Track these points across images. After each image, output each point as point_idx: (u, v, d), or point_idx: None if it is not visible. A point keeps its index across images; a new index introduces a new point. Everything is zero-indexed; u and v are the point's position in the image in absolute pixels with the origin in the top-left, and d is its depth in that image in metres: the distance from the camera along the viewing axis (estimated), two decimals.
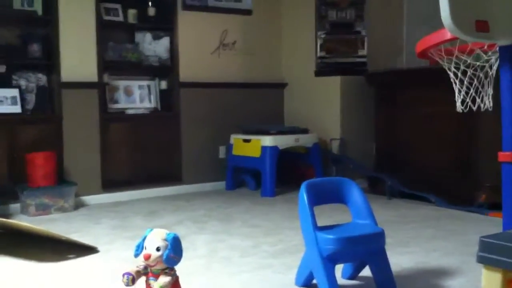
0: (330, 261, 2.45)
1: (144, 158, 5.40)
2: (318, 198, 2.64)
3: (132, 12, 5.39)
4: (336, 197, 2.73)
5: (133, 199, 5.22)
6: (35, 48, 4.94)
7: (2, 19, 4.82)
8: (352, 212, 2.70)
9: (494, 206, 4.21)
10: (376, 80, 5.53)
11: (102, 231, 3.98)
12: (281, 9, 6.25)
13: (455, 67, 2.84)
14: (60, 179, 4.82)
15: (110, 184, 5.18)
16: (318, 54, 5.81)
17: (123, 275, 2.26)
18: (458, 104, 2.84)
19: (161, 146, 5.51)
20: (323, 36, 5.78)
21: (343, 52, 5.76)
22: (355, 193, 2.70)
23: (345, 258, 2.56)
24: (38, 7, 4.94)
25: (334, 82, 5.72)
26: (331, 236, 2.42)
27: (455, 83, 2.87)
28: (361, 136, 5.72)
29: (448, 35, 2.60)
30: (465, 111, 2.87)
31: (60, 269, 3.08)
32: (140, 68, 5.50)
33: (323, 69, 5.81)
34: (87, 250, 3.39)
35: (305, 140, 5.47)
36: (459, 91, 2.89)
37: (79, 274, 2.99)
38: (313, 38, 5.84)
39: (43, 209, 4.57)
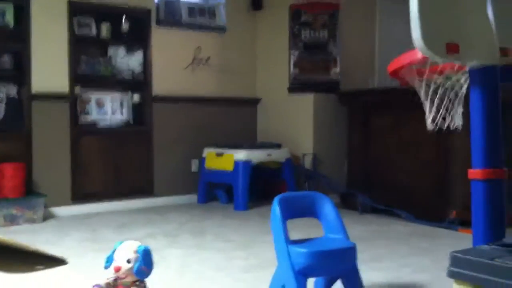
0: (302, 275, 2.46)
1: (116, 170, 5.36)
2: (291, 212, 2.66)
3: (105, 27, 5.38)
4: (309, 211, 2.75)
5: (103, 212, 5.17)
6: (5, 59, 4.90)
7: None
8: (324, 227, 2.72)
9: (465, 223, 4.29)
10: (348, 99, 5.61)
11: (72, 243, 3.93)
12: (255, 27, 6.32)
13: (426, 87, 2.90)
14: (29, 190, 4.76)
15: (80, 196, 5.13)
16: (292, 72, 5.87)
17: (93, 287, 2.25)
18: (429, 122, 2.89)
19: (133, 159, 5.48)
20: (296, 54, 5.85)
21: (316, 70, 5.83)
22: (328, 207, 2.73)
23: (317, 272, 2.58)
24: (10, 19, 4.90)
25: (307, 99, 5.78)
26: (303, 250, 2.44)
27: (426, 102, 2.93)
28: (334, 152, 5.79)
29: (419, 56, 2.66)
30: (435, 129, 2.92)
31: (28, 281, 3.03)
32: (113, 82, 5.48)
33: (296, 86, 5.88)
34: (55, 261, 3.34)
35: (278, 155, 5.50)
36: (430, 110, 2.95)
37: (48, 285, 2.94)
38: (287, 56, 5.91)
39: (11, 220, 4.50)
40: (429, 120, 2.88)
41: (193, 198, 5.73)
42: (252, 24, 6.31)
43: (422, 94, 2.92)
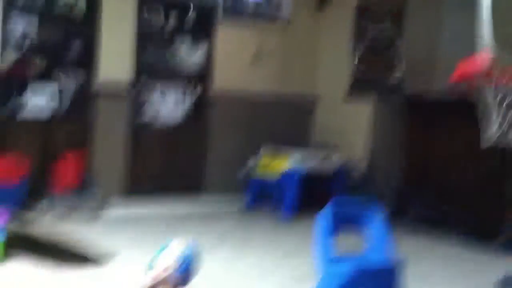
0: None
1: (172, 165, 5.37)
2: (337, 226, 2.58)
3: (173, 18, 5.40)
4: (357, 226, 2.67)
5: (157, 208, 5.10)
6: (76, 46, 5.01)
7: (46, 16, 4.87)
8: (370, 243, 2.63)
9: None
10: (411, 103, 5.41)
11: (119, 242, 3.91)
12: (319, 23, 6.16)
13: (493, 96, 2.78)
14: (87, 183, 4.78)
15: (135, 189, 5.17)
16: (354, 71, 5.71)
17: None
18: (491, 133, 2.77)
19: (189, 153, 5.48)
20: (360, 53, 5.70)
21: (379, 70, 5.64)
22: (377, 223, 2.64)
23: None
24: (82, 5, 4.97)
25: (367, 102, 5.61)
26: (343, 269, 2.37)
27: (491, 111, 2.80)
28: (390, 157, 5.56)
29: (486, 60, 2.55)
30: (497, 140, 2.80)
31: (77, 277, 3.09)
32: (176, 74, 5.50)
33: (357, 86, 5.71)
34: (103, 260, 3.40)
35: (331, 164, 5.34)
36: (493, 120, 2.83)
37: (96, 283, 3.01)
38: (350, 54, 5.74)
39: (67, 213, 4.55)
40: (492, 131, 2.75)
41: (242, 202, 5.47)
42: (316, 19, 6.16)
43: (488, 101, 2.80)
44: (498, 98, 2.71)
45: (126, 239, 4.07)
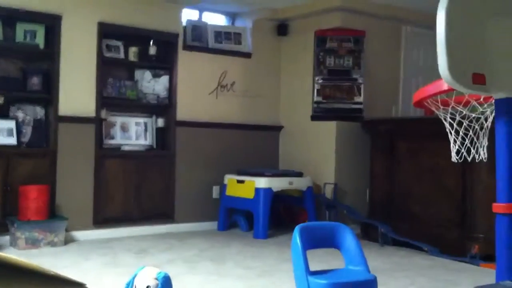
0: None
1: (138, 194, 5.38)
2: (311, 242, 2.63)
3: (133, 50, 5.46)
4: (330, 241, 2.72)
5: (124, 236, 5.17)
6: (34, 81, 4.97)
7: (4, 51, 4.88)
8: (345, 258, 2.68)
9: (487, 257, 4.20)
10: (372, 128, 5.57)
11: (92, 267, 3.93)
12: (281, 53, 6.34)
13: (451, 118, 2.87)
14: (52, 213, 4.78)
15: (101, 220, 5.15)
16: (315, 99, 5.87)
17: None
18: (453, 154, 2.86)
19: (156, 184, 5.49)
20: (320, 81, 5.86)
21: (340, 98, 5.82)
22: (349, 238, 2.70)
23: None
24: (40, 41, 4.99)
25: (330, 127, 5.76)
26: (323, 281, 2.41)
27: (451, 133, 2.90)
28: (355, 181, 5.73)
29: (445, 86, 2.64)
30: (459, 161, 2.89)
31: None
32: (138, 105, 5.54)
33: (319, 114, 5.86)
34: (75, 286, 3.34)
35: (299, 184, 5.47)
36: (455, 142, 2.92)
37: None
38: (310, 83, 5.91)
39: (33, 243, 4.53)
40: (454, 152, 2.85)
41: (213, 225, 5.70)
42: (277, 50, 6.34)
43: (447, 125, 2.90)
44: (455, 122, 2.82)
45: (98, 264, 4.05)
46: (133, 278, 2.27)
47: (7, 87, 4.83)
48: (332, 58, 5.87)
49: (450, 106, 2.80)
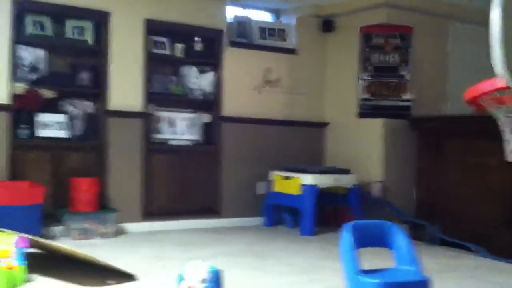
0: None
1: (184, 189, 5.45)
2: (361, 240, 2.61)
3: (179, 47, 5.52)
4: (380, 240, 2.70)
5: (171, 230, 5.24)
6: (84, 77, 5.09)
7: (55, 47, 5.01)
8: (396, 257, 2.65)
9: None
10: (420, 125, 5.49)
11: (141, 259, 4.00)
12: (326, 50, 6.31)
13: (506, 116, 2.81)
14: (102, 205, 4.90)
15: (149, 213, 5.24)
16: (362, 96, 5.82)
17: None
18: (508, 152, 2.80)
19: (201, 179, 5.56)
20: (366, 78, 5.80)
21: (387, 95, 5.76)
22: (400, 237, 2.67)
23: None
24: (88, 37, 5.10)
25: (377, 125, 5.71)
26: (374, 281, 2.39)
27: (506, 132, 2.83)
28: (403, 180, 5.66)
29: (500, 84, 2.58)
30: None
31: None
32: (184, 101, 5.60)
33: (366, 111, 5.81)
34: (126, 277, 3.41)
35: (345, 181, 5.43)
36: (510, 140, 2.85)
37: None
38: (356, 80, 5.86)
39: (85, 234, 4.65)
40: (508, 150, 2.78)
41: (259, 220, 5.72)
42: (322, 46, 6.30)
43: (501, 123, 2.83)
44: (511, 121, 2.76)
45: (147, 255, 4.13)
46: (184, 271, 2.31)
47: (58, 82, 4.96)
48: (378, 55, 5.81)
49: (505, 104, 2.74)
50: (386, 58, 5.79)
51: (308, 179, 5.23)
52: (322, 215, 5.53)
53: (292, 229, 5.48)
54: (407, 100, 5.70)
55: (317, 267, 3.95)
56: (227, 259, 4.10)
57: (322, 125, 6.28)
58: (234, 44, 5.76)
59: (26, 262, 3.22)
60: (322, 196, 5.29)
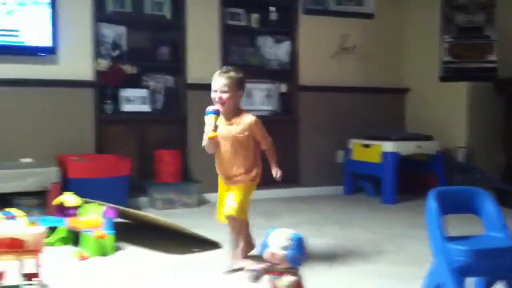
0: (460, 273, 2.33)
1: (263, 159, 5.47)
2: (448, 207, 2.52)
3: (254, 17, 5.50)
4: (467, 207, 2.60)
5: (251, 199, 5.28)
6: (163, 51, 5.18)
7: (134, 23, 5.12)
8: (484, 224, 2.55)
9: None
10: (506, 87, 5.22)
11: (223, 228, 4.06)
12: (404, 12, 6.08)
13: None
14: (185, 176, 5.02)
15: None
16: (444, 59, 5.59)
17: (249, 270, 2.30)
18: None
19: (280, 149, 5.51)
20: (449, 40, 5.56)
21: (471, 57, 5.50)
22: (488, 203, 2.56)
23: (476, 271, 2.43)
24: (167, 11, 5.18)
25: (461, 88, 5.48)
26: (462, 247, 2.31)
27: None
28: (489, 144, 5.43)
29: None
30: None
31: (187, 261, 3.20)
32: (261, 72, 5.59)
33: (449, 74, 5.58)
34: (210, 245, 3.50)
35: (428, 147, 5.27)
36: None
37: (204, 267, 3.09)
38: (437, 43, 5.63)
39: (169, 204, 4.81)
40: None
41: (338, 189, 5.68)
42: (401, 9, 6.08)
43: None
44: None
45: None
46: (267, 238, 2.32)
47: (139, 58, 5.08)
48: (461, 15, 5.54)
49: None
50: (470, 18, 5.51)
51: (389, 146, 5.12)
52: (404, 182, 5.40)
53: (373, 197, 5.41)
54: (493, 62, 5.42)
55: (403, 236, 3.88)
56: (311, 227, 4.10)
57: (402, 91, 6.10)
58: (309, 11, 5.67)
59: (114, 231, 3.37)
60: (403, 163, 5.17)
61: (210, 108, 2.96)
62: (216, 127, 2.92)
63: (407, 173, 5.43)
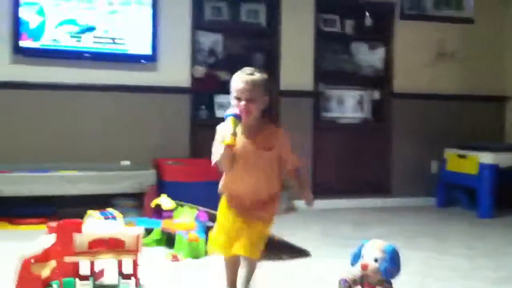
0: None
1: (353, 167, 5.42)
2: None
3: (349, 23, 5.46)
4: None
5: (340, 208, 5.24)
6: (258, 58, 5.26)
7: (230, 30, 5.24)
8: None
9: None
10: None
11: (312, 236, 4.07)
12: (505, 17, 5.80)
13: None
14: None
15: (319, 191, 5.26)
16: None
17: (340, 281, 2.30)
18: None
19: (371, 157, 5.49)
20: None
21: None
22: None
23: None
24: (262, 19, 5.25)
25: None
26: None
27: None
28: None
29: None
30: None
31: (276, 268, 3.22)
32: (354, 79, 5.55)
33: None
34: (299, 252, 3.50)
35: None
36: None
37: (292, 275, 3.10)
38: None
39: None
40: None
41: (430, 200, 5.49)
42: (501, 13, 5.81)
43: None
44: None
45: (318, 233, 4.22)
46: (360, 249, 2.30)
47: (234, 65, 5.15)
48: None
49: None
50: None
51: (487, 157, 4.89)
52: (502, 196, 5.12)
53: (468, 211, 5.19)
54: None
55: (502, 253, 3.71)
56: (403, 239, 3.97)
57: (501, 99, 5.82)
58: (405, 16, 5.55)
59: (206, 235, 3.44)
60: (501, 175, 4.91)
61: (229, 111, 2.39)
62: (235, 134, 2.34)
63: (506, 186, 5.15)
